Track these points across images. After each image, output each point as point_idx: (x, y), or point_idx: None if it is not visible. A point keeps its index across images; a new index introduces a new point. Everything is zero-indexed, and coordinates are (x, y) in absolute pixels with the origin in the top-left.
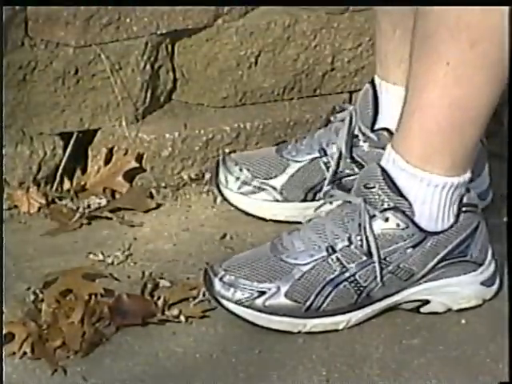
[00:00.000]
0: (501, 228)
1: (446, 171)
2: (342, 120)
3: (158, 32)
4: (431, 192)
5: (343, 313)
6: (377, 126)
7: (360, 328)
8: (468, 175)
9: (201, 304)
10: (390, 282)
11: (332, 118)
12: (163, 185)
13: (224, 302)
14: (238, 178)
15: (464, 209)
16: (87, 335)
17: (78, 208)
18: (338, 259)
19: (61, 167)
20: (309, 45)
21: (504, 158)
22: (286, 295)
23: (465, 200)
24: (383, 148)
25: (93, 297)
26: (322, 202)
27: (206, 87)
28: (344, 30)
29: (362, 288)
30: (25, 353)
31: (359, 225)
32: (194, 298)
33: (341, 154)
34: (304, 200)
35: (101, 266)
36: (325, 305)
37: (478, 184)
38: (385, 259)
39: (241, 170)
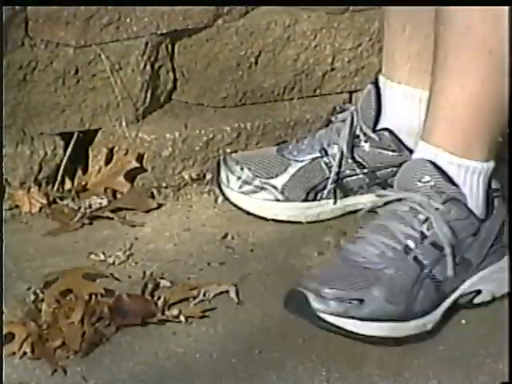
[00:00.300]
0: None
1: (484, 157)
2: (343, 120)
3: (158, 32)
4: (476, 179)
5: (429, 312)
6: (379, 126)
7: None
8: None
9: (201, 304)
10: (457, 274)
11: (333, 119)
12: (164, 185)
13: (325, 316)
14: (239, 178)
15: (495, 194)
16: (87, 335)
17: (79, 208)
18: (415, 257)
19: (62, 167)
20: (309, 45)
21: (504, 160)
22: (385, 300)
23: (493, 185)
24: (384, 148)
25: (93, 297)
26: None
27: (206, 87)
28: (344, 29)
29: (438, 283)
30: (25, 353)
31: (426, 220)
32: (195, 298)
33: (342, 154)
34: (305, 200)
35: (102, 265)
36: (417, 305)
37: None
38: (453, 251)
39: (242, 169)
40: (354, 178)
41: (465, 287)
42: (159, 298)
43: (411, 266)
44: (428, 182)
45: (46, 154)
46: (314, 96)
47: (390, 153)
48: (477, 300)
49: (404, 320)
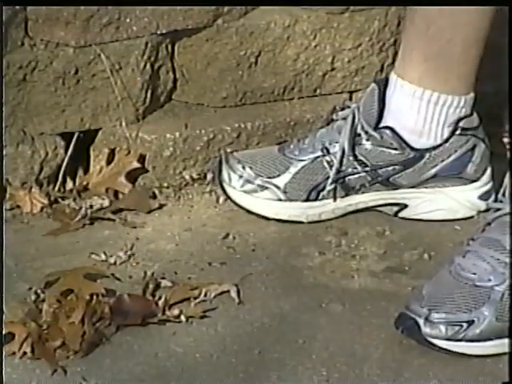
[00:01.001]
0: None
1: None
2: (344, 118)
3: (158, 32)
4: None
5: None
6: (382, 124)
7: (360, 328)
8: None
9: (201, 304)
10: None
11: (334, 116)
12: (165, 185)
13: (435, 341)
14: (240, 176)
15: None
16: (87, 335)
17: (80, 208)
18: None
19: (63, 167)
20: (309, 45)
21: (505, 158)
22: (496, 319)
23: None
24: (386, 146)
25: (94, 297)
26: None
27: (206, 87)
28: (344, 29)
29: None
30: (25, 353)
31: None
32: (195, 298)
33: (343, 152)
34: (307, 199)
35: (103, 266)
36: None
37: (480, 185)
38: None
39: (244, 168)
40: (355, 176)
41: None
42: (160, 298)
43: None
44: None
45: (46, 154)
46: (314, 96)
47: (392, 151)
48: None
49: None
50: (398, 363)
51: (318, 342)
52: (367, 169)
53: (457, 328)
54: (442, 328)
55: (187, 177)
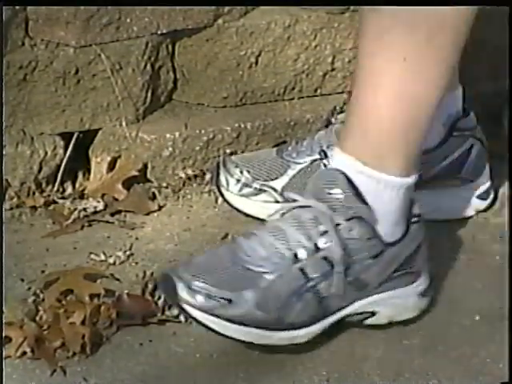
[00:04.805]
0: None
1: (401, 171)
2: (343, 121)
3: (159, 32)
4: (389, 194)
5: (306, 325)
6: None
7: (360, 328)
8: (416, 176)
9: None
10: (348, 294)
11: (332, 120)
12: (164, 185)
13: (189, 308)
14: (238, 180)
15: (413, 220)
16: (87, 335)
17: (74, 209)
18: (301, 268)
19: (62, 167)
20: (309, 45)
21: (504, 159)
22: (255, 306)
23: (413, 211)
24: None
25: (94, 297)
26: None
27: (206, 87)
28: (344, 29)
29: (322, 299)
30: (24, 352)
31: (324, 232)
32: None
33: None
34: None
35: (102, 266)
36: (292, 316)
37: (478, 184)
38: (346, 269)
39: (241, 172)
40: None
41: (356, 307)
42: (159, 298)
43: (294, 276)
44: (337, 194)
45: (46, 153)
46: (315, 96)
47: None
48: (369, 321)
49: (274, 329)
50: (398, 363)
51: (318, 342)
52: None
53: (214, 303)
54: (200, 298)
55: (187, 177)
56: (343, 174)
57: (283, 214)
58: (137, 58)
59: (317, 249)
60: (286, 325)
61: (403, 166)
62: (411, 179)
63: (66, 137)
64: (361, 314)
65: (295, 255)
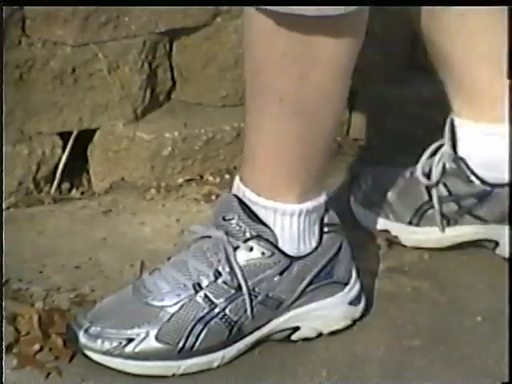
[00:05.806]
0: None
1: (297, 199)
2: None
3: (157, 31)
4: (288, 220)
5: (216, 350)
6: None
7: (360, 329)
8: (323, 197)
9: None
10: (260, 314)
11: None
12: (163, 184)
13: (91, 354)
14: None
15: (326, 229)
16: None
17: (73, 209)
18: (205, 296)
19: (60, 167)
20: None
21: None
22: (156, 339)
23: (326, 220)
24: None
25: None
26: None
27: (205, 86)
28: None
29: (233, 323)
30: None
31: (225, 258)
32: None
33: None
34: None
35: (101, 265)
36: (198, 344)
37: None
38: (253, 290)
39: None
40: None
41: (277, 324)
42: None
43: (198, 305)
44: (231, 219)
45: (44, 153)
46: None
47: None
48: (295, 337)
49: (180, 358)
50: (399, 364)
51: (319, 343)
52: None
53: (115, 344)
54: (99, 342)
55: (186, 176)
56: (237, 197)
57: (189, 246)
58: (135, 57)
59: (219, 274)
60: (193, 352)
61: (298, 194)
62: (311, 203)
63: (65, 136)
64: (283, 330)
65: (198, 284)
